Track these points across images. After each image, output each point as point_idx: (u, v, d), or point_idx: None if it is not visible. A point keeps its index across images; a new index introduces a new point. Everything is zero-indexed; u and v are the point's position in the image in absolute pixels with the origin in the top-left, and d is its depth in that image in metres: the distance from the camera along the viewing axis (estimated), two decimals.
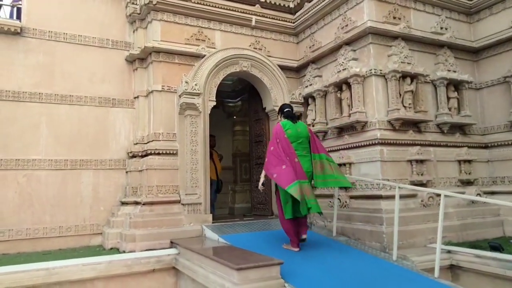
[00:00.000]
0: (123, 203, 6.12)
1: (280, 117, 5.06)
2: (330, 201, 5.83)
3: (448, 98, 6.17)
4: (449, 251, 4.55)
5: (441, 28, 6.28)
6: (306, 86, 6.99)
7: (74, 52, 6.28)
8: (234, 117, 9.86)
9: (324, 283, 3.58)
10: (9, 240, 5.47)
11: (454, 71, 6.23)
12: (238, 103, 9.61)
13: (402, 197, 5.16)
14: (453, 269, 4.53)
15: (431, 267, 4.03)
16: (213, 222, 5.89)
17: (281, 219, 4.75)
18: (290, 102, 6.75)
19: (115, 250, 5.40)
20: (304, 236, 4.67)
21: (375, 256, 4.49)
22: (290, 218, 4.53)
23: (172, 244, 5.30)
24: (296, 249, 4.56)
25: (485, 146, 6.39)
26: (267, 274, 3.56)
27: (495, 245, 4.40)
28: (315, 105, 6.74)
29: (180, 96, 6.02)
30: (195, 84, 5.98)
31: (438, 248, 3.90)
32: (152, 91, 6.20)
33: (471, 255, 4.35)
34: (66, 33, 6.27)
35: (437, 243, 3.93)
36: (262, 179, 4.85)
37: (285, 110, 4.99)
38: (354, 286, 3.55)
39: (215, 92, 6.28)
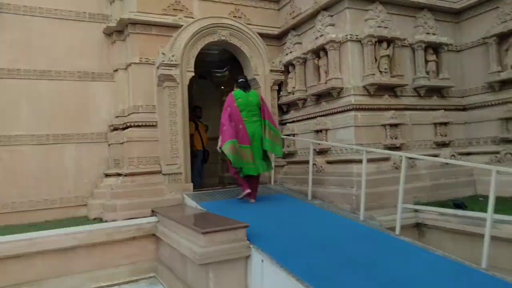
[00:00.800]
0: (106, 175, 6.27)
1: (235, 87, 5.54)
2: (307, 167, 5.94)
3: (427, 62, 6.14)
4: (416, 210, 4.70)
5: None
6: (287, 54, 6.96)
7: (50, 27, 6.24)
8: (222, 87, 9.82)
9: (288, 243, 3.74)
10: None
11: (434, 34, 6.16)
12: (225, 73, 9.51)
13: (375, 160, 5.29)
14: (419, 227, 4.71)
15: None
16: (194, 191, 6.05)
17: (230, 171, 5.45)
18: (271, 70, 6.82)
19: (98, 220, 5.58)
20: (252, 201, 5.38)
21: (344, 217, 4.64)
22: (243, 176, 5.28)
23: (153, 213, 5.48)
24: (248, 190, 5.15)
25: (463, 109, 6.41)
26: (233, 237, 3.71)
27: (458, 203, 4.55)
28: (295, 72, 6.74)
29: (158, 68, 6.03)
30: (172, 55, 5.98)
31: (399, 208, 4.05)
32: (130, 64, 6.20)
33: (435, 213, 4.51)
34: (42, 8, 6.20)
35: (398, 203, 4.07)
36: (219, 143, 5.26)
37: (239, 80, 5.64)
38: (317, 244, 3.70)
39: (193, 62, 6.27)
